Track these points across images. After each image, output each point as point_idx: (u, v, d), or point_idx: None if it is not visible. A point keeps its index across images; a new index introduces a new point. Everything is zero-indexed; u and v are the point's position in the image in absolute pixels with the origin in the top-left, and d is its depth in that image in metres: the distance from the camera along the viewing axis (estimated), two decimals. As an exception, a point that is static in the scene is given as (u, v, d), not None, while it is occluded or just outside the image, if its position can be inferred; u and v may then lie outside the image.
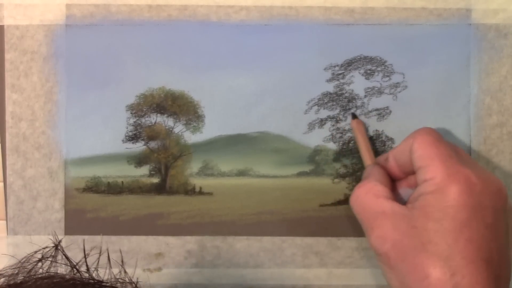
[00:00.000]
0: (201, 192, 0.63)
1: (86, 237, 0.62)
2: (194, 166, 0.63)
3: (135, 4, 0.61)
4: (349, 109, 0.62)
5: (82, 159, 0.62)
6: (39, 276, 0.40)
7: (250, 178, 0.63)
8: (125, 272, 0.45)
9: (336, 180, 0.62)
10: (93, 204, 0.62)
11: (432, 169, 0.49)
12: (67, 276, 0.40)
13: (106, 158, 0.62)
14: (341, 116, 0.62)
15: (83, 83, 0.62)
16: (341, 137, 0.62)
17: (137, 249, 0.63)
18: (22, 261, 0.42)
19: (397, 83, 0.62)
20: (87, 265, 0.43)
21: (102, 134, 0.62)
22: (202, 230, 0.63)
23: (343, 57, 0.62)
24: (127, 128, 0.62)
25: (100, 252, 0.49)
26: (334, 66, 0.62)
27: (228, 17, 0.61)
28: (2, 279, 0.40)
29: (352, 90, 0.62)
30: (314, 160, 0.62)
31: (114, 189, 0.63)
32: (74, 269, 0.42)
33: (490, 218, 0.47)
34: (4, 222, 0.63)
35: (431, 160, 0.49)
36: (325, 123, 0.62)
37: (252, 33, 0.62)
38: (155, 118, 0.62)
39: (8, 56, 0.61)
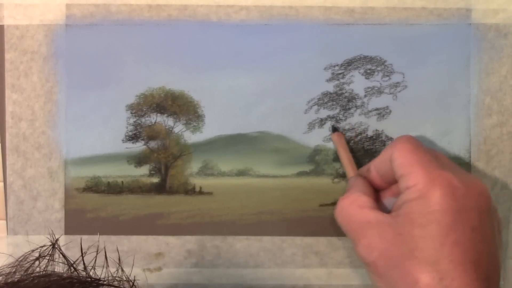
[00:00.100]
0: (201, 192, 0.63)
1: (86, 237, 0.62)
2: (194, 166, 0.63)
3: (135, 4, 0.61)
4: (349, 108, 0.62)
5: (82, 159, 0.62)
6: (37, 274, 0.40)
7: (250, 178, 0.63)
8: (122, 270, 0.45)
9: (336, 180, 0.62)
10: (93, 204, 0.62)
11: (414, 176, 0.49)
12: (65, 275, 0.40)
13: (106, 158, 0.62)
14: (341, 116, 0.62)
15: (83, 83, 0.62)
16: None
17: (137, 249, 0.63)
18: (19, 259, 0.42)
19: (397, 82, 0.61)
20: (84, 264, 0.43)
21: (102, 134, 0.62)
22: (202, 230, 0.63)
23: (343, 57, 0.62)
24: (127, 128, 0.62)
25: (97, 251, 0.49)
26: (334, 66, 0.62)
27: (228, 17, 0.61)
28: (0, 278, 0.40)
29: (352, 90, 0.62)
30: (314, 160, 0.62)
31: (114, 189, 0.63)
32: (72, 268, 0.42)
33: (475, 220, 0.47)
34: (4, 222, 0.63)
35: (412, 167, 0.49)
36: (325, 123, 0.62)
37: (252, 33, 0.62)
38: (155, 118, 0.62)
39: (8, 56, 0.61)
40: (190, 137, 0.62)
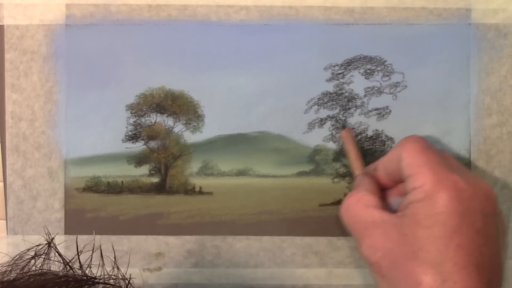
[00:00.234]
0: (201, 192, 0.63)
1: (86, 236, 0.62)
2: (194, 165, 0.63)
3: (135, 4, 0.61)
4: (349, 108, 0.62)
5: (82, 159, 0.62)
6: (32, 273, 0.40)
7: (250, 178, 0.63)
8: (118, 268, 0.45)
9: (336, 179, 0.62)
10: (93, 204, 0.63)
11: (421, 177, 0.49)
12: (60, 273, 0.40)
13: (106, 158, 0.62)
14: (341, 116, 0.62)
15: (83, 83, 0.62)
16: (341, 136, 0.62)
17: (137, 248, 0.63)
18: (15, 258, 0.42)
19: (397, 82, 0.61)
20: (80, 262, 0.43)
21: (102, 134, 0.62)
22: (202, 229, 0.63)
23: (343, 56, 0.62)
24: (127, 127, 0.62)
25: (93, 249, 0.49)
26: (334, 66, 0.62)
27: (228, 17, 0.61)
28: (-4, 276, 0.40)
29: (352, 90, 0.62)
30: (314, 159, 0.62)
31: (114, 189, 0.63)
32: (67, 266, 0.42)
33: (480, 223, 0.47)
34: (4, 222, 0.63)
35: (420, 168, 0.49)
36: (325, 123, 0.62)
37: (252, 33, 0.62)
38: (155, 118, 0.62)
39: (8, 56, 0.61)
40: (190, 137, 0.63)
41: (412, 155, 0.51)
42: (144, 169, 0.63)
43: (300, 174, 0.63)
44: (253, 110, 0.62)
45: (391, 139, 0.62)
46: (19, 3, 0.61)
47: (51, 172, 0.62)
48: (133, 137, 0.62)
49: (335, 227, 0.62)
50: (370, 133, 0.62)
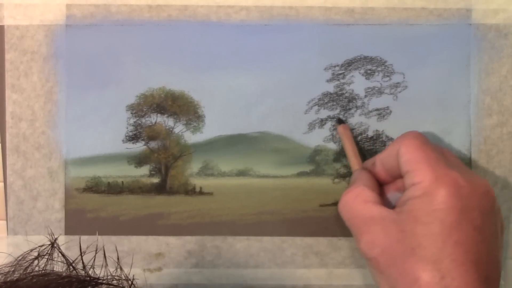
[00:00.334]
0: (201, 192, 0.63)
1: (86, 237, 0.62)
2: (194, 166, 0.63)
3: (135, 4, 0.61)
4: (350, 109, 0.62)
5: (82, 159, 0.62)
6: (35, 273, 0.40)
7: (250, 178, 0.63)
8: (121, 269, 0.45)
9: (336, 180, 0.62)
10: (93, 204, 0.62)
11: (420, 173, 0.49)
12: (63, 274, 0.40)
13: (106, 158, 0.62)
14: (341, 116, 0.62)
15: (83, 83, 0.62)
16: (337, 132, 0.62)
17: (137, 249, 0.63)
18: (18, 259, 0.42)
19: (397, 83, 0.61)
20: (83, 263, 0.43)
21: (102, 134, 0.62)
22: (202, 230, 0.63)
23: (343, 57, 0.62)
24: (127, 128, 0.62)
25: (96, 250, 0.49)
26: (334, 66, 0.62)
27: (228, 17, 0.61)
28: (-1, 277, 0.40)
29: (352, 90, 0.62)
30: (314, 160, 0.62)
31: (114, 189, 0.63)
32: (71, 267, 0.42)
33: (479, 220, 0.47)
34: (4, 222, 0.63)
35: (419, 164, 0.49)
36: (325, 123, 0.62)
37: (252, 33, 0.62)
38: (155, 118, 0.62)
39: (8, 56, 0.61)
40: (190, 138, 0.62)
41: (410, 151, 0.50)
42: (145, 170, 0.63)
43: (301, 174, 0.63)
44: (253, 110, 0.62)
45: (391, 139, 0.62)
46: (19, 3, 0.61)
47: (51, 172, 0.62)
48: (133, 138, 0.62)
49: (336, 227, 0.62)
50: (370, 133, 0.62)
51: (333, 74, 0.62)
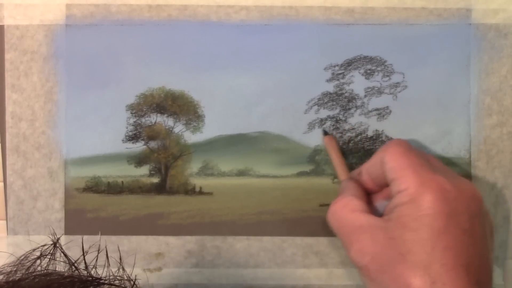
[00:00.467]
0: (201, 192, 0.63)
1: (86, 237, 0.62)
2: (194, 166, 0.63)
3: (135, 4, 0.61)
4: (349, 109, 0.62)
5: (82, 159, 0.62)
6: (38, 273, 0.40)
7: (250, 178, 0.63)
8: (124, 269, 0.45)
9: (336, 180, 0.62)
10: (93, 204, 0.62)
11: (405, 180, 0.49)
12: (66, 274, 0.40)
13: (106, 158, 0.62)
14: (341, 116, 0.62)
15: (83, 83, 0.62)
16: (341, 137, 0.62)
17: (137, 249, 0.63)
18: (20, 258, 0.42)
19: (397, 83, 0.61)
20: (85, 263, 0.43)
21: (102, 134, 0.62)
22: (202, 230, 0.63)
23: (343, 57, 0.62)
24: (127, 128, 0.62)
25: (98, 250, 0.49)
26: (334, 66, 0.62)
27: (228, 17, 0.61)
28: (1, 276, 0.40)
29: (352, 90, 0.62)
30: (314, 160, 0.62)
31: (114, 189, 0.63)
32: (73, 267, 0.42)
33: (467, 223, 0.47)
34: (4, 222, 0.63)
35: (403, 171, 0.49)
36: (325, 123, 0.62)
37: (252, 33, 0.62)
38: (155, 118, 0.62)
39: (8, 56, 0.61)
40: (190, 137, 0.62)
41: (395, 158, 0.51)
42: (144, 169, 0.63)
43: (300, 174, 0.63)
44: (253, 110, 0.62)
45: (391, 139, 0.62)
46: (19, 3, 0.61)
47: (51, 172, 0.62)
48: (133, 137, 0.62)
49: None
50: (370, 133, 0.62)
51: (333, 74, 0.62)
